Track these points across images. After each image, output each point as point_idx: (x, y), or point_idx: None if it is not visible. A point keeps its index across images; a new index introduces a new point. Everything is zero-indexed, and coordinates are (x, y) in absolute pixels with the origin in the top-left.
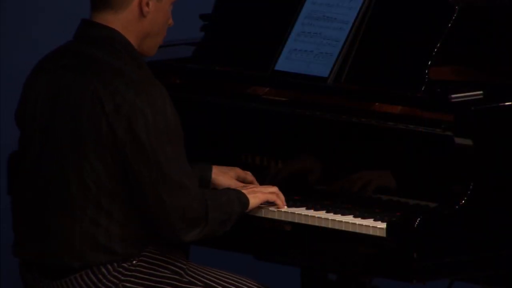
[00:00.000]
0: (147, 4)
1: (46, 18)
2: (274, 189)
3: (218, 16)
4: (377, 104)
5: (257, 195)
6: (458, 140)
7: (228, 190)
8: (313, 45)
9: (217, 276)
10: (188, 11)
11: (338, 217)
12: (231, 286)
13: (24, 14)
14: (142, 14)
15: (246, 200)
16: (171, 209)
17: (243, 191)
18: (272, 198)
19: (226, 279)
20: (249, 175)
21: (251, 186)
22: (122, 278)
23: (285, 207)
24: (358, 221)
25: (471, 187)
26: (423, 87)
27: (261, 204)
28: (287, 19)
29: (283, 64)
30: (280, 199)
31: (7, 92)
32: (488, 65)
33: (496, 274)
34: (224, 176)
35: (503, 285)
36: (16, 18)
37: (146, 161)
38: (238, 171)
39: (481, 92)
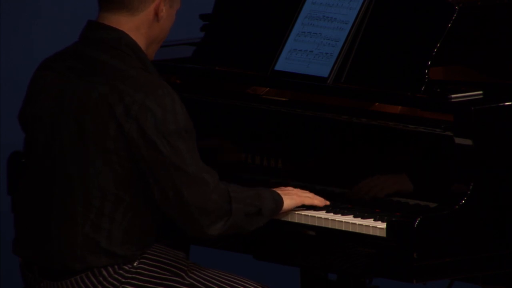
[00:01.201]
0: (162, 10)
1: (46, 18)
2: (310, 194)
3: (218, 16)
4: (377, 104)
5: (293, 197)
6: (458, 140)
7: (261, 188)
8: (313, 45)
9: (218, 278)
10: (188, 11)
11: (338, 217)
12: None
13: (24, 14)
14: (157, 18)
15: (280, 199)
16: (192, 204)
17: (278, 191)
18: (308, 201)
19: (227, 281)
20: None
21: (287, 188)
22: (123, 280)
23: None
24: (358, 221)
25: (471, 187)
26: (423, 87)
27: (297, 207)
28: (287, 19)
29: (283, 64)
30: (318, 200)
31: (7, 92)
32: (488, 65)
33: (496, 274)
34: None
35: (503, 285)
36: (16, 18)
37: (162, 161)
38: None
39: (481, 92)
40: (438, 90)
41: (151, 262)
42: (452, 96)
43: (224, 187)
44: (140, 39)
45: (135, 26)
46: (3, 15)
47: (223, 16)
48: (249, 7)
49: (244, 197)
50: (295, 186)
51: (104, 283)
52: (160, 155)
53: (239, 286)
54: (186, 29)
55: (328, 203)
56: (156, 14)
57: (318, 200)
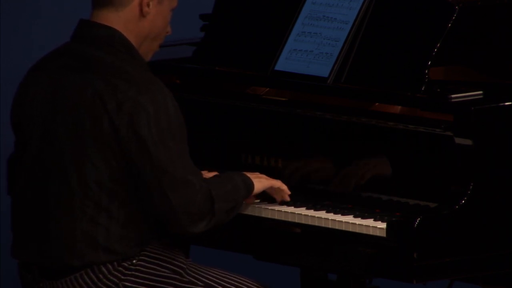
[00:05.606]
0: (148, 5)
1: (46, 18)
2: (278, 180)
3: (218, 16)
4: (377, 104)
5: (262, 180)
6: (458, 140)
7: (233, 175)
8: (313, 45)
9: (217, 276)
10: (188, 11)
11: (338, 217)
12: (231, 286)
13: (24, 14)
14: (142, 14)
15: (251, 183)
16: (176, 205)
17: (248, 174)
18: (277, 184)
19: (226, 279)
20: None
21: (256, 173)
22: (122, 277)
23: (289, 192)
24: (358, 221)
25: (471, 187)
26: (423, 87)
27: (265, 191)
28: (287, 19)
29: (283, 64)
30: (284, 188)
31: (7, 92)
32: (488, 65)
33: (496, 274)
34: None
35: (503, 285)
36: (16, 18)
37: (149, 159)
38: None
39: (481, 92)
40: (438, 90)
41: (150, 260)
42: (452, 96)
43: (207, 186)
44: (129, 36)
45: (122, 22)
46: (3, 15)
47: (223, 16)
48: (249, 7)
49: (224, 193)
50: (295, 186)
51: (104, 280)
52: (149, 153)
53: (238, 285)
54: (186, 29)
55: (289, 193)
56: (141, 9)
57: (286, 187)
